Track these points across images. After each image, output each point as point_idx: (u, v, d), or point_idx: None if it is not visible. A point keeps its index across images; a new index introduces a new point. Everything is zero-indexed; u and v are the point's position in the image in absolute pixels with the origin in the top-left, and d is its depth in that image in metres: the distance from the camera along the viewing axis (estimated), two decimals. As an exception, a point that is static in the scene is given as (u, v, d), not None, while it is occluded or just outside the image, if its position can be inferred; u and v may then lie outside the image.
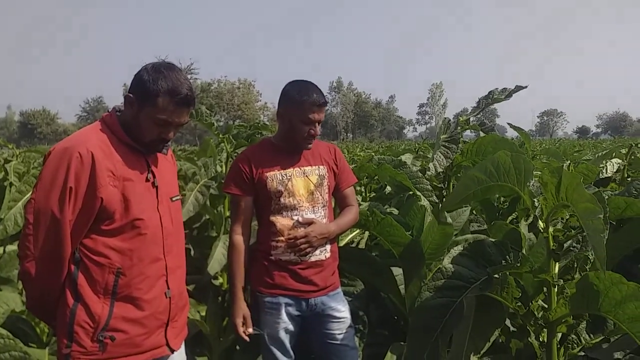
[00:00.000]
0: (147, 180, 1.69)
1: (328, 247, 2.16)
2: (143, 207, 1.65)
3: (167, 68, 1.65)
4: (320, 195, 2.15)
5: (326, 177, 2.18)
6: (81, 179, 1.52)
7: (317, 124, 2.10)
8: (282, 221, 2.08)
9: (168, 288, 1.72)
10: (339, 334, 2.14)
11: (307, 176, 2.13)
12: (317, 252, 2.11)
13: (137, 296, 1.63)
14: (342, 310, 2.17)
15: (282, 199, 2.08)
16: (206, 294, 2.85)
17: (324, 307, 2.12)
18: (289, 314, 2.08)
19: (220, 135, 2.93)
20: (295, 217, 2.08)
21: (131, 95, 1.64)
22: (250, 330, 2.05)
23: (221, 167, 3.08)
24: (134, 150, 1.68)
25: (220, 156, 3.22)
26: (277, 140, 2.21)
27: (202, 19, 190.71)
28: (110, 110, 1.75)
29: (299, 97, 2.07)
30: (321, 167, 2.18)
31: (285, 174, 2.11)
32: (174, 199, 1.82)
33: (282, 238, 2.07)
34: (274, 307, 2.07)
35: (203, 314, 2.73)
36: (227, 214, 3.05)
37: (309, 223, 2.08)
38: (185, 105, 1.66)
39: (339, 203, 2.32)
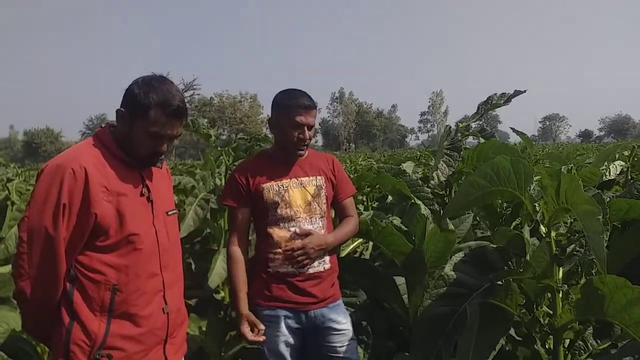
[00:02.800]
0: (142, 194, 1.67)
1: (327, 258, 2.13)
2: (138, 222, 1.63)
3: (158, 80, 1.64)
4: (318, 206, 2.12)
5: (324, 187, 2.16)
6: (74, 195, 1.50)
7: (305, 128, 2.08)
8: (279, 233, 2.06)
9: (165, 304, 1.70)
10: (340, 347, 2.10)
11: (304, 187, 2.11)
12: (316, 263, 2.08)
13: (134, 313, 1.61)
14: (342, 322, 2.13)
15: (278, 210, 2.06)
16: (207, 308, 2.82)
17: (324, 319, 2.09)
18: (288, 327, 2.05)
19: (219, 148, 2.93)
20: (293, 229, 2.06)
21: (123, 109, 1.62)
22: (262, 326, 2.01)
23: (220, 180, 3.07)
24: (128, 165, 1.66)
25: (220, 169, 3.22)
26: (273, 151, 2.20)
27: (203, 34, 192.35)
28: (103, 126, 1.73)
29: (286, 101, 2.09)
30: (318, 177, 2.16)
31: (282, 185, 2.09)
32: (169, 213, 1.79)
33: (279, 250, 2.05)
34: (273, 320, 2.04)
35: (204, 329, 2.70)
36: (227, 227, 3.03)
37: (307, 234, 2.06)
38: (177, 117, 1.65)
39: (338, 214, 2.30)
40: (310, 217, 2.10)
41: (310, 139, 2.12)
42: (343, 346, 2.10)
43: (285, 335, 2.04)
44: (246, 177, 2.10)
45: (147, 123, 1.60)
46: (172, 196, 1.90)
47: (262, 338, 1.99)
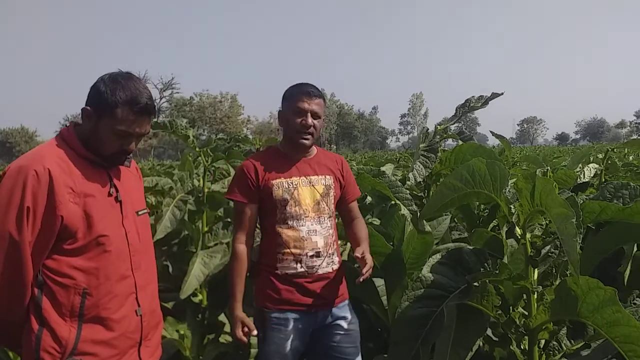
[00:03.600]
0: (110, 194, 1.63)
1: (336, 258, 2.11)
2: (107, 223, 1.58)
3: (125, 77, 1.59)
4: (326, 205, 2.09)
5: (332, 187, 2.13)
6: (38, 198, 1.45)
7: (309, 114, 2.04)
8: (287, 232, 2.02)
9: (138, 306, 1.66)
10: (345, 347, 2.09)
11: (313, 185, 2.08)
12: (325, 264, 2.05)
13: (105, 316, 1.57)
14: (351, 322, 2.12)
15: (287, 208, 2.02)
16: (185, 312, 2.79)
17: (332, 319, 2.07)
18: (296, 330, 2.02)
19: (197, 149, 2.89)
20: (302, 228, 2.02)
21: (88, 107, 1.57)
22: (254, 333, 1.99)
23: (198, 181, 3.03)
24: (95, 164, 1.62)
25: (198, 170, 3.18)
26: (281, 147, 2.17)
27: (181, 34, 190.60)
28: (68, 124, 1.67)
29: (291, 91, 2.09)
30: (327, 176, 2.13)
31: (292, 183, 2.05)
32: (140, 213, 1.75)
33: (287, 250, 2.01)
34: (281, 323, 2.01)
35: (182, 332, 2.67)
36: (205, 229, 3.00)
37: (362, 256, 2.00)
38: (145, 115, 1.60)
39: (343, 215, 2.26)
40: (319, 217, 2.06)
41: (314, 128, 2.08)
42: (348, 347, 2.09)
43: (293, 338, 2.01)
44: (255, 172, 2.05)
45: (114, 121, 1.55)
46: (142, 196, 1.85)
47: (245, 339, 1.98)
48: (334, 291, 2.09)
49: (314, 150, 2.18)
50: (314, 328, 2.07)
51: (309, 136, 2.07)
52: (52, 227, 1.48)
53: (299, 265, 2.01)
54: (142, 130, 1.63)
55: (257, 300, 2.06)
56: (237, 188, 2.07)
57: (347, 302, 2.16)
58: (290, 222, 2.02)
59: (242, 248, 2.05)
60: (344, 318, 2.10)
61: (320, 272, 2.04)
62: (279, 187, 2.03)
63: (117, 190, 1.65)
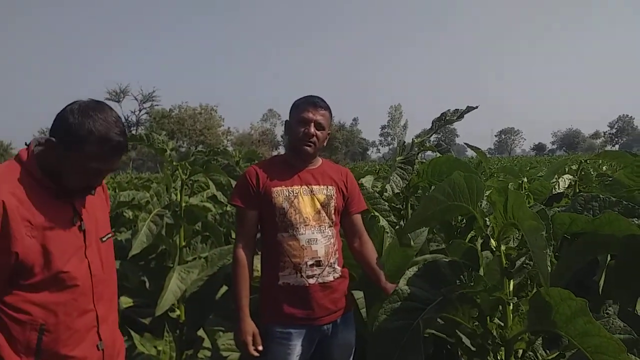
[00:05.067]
0: (73, 224, 1.53)
1: (338, 268, 2.11)
2: (68, 257, 1.49)
3: (96, 109, 1.47)
4: (327, 215, 2.10)
5: (334, 197, 2.14)
6: None
7: (312, 124, 2.07)
8: (288, 240, 2.03)
9: (100, 339, 1.59)
10: (340, 358, 2.13)
11: (314, 194, 2.09)
12: (325, 272, 2.06)
13: (64, 354, 1.48)
14: (350, 336, 2.15)
15: (288, 216, 2.03)
16: (162, 327, 2.75)
17: (334, 331, 2.09)
18: (301, 345, 2.02)
19: (175, 162, 2.88)
20: (302, 237, 2.02)
21: (54, 140, 1.45)
22: (260, 347, 1.98)
23: (176, 195, 3.01)
24: (57, 194, 1.51)
25: (176, 184, 3.16)
26: (286, 156, 2.19)
27: (160, 46, 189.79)
28: (28, 145, 1.53)
29: (299, 101, 2.13)
30: (330, 187, 2.14)
31: (292, 191, 2.07)
32: (104, 239, 1.66)
33: (287, 259, 2.02)
34: (285, 337, 2.01)
35: (160, 348, 2.63)
36: (183, 243, 2.98)
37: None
38: (117, 153, 1.51)
39: (347, 228, 2.26)
40: (320, 226, 2.07)
41: (318, 139, 2.10)
42: (343, 358, 2.13)
43: (297, 353, 2.01)
44: (257, 179, 2.07)
45: (84, 157, 1.45)
46: (107, 218, 1.75)
47: (256, 354, 1.97)
48: (337, 301, 2.10)
49: (319, 160, 2.20)
50: (317, 341, 2.07)
51: (312, 144, 2.10)
52: (6, 264, 1.39)
53: (298, 274, 2.02)
54: (114, 167, 1.55)
55: (261, 316, 2.06)
56: (238, 194, 2.10)
57: (350, 314, 2.18)
58: (290, 231, 2.03)
59: (243, 253, 2.05)
60: (344, 332, 2.12)
61: (320, 281, 2.04)
62: (279, 195, 2.04)
63: (81, 220, 1.55)
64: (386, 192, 2.82)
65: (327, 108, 2.14)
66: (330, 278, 2.07)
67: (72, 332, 1.49)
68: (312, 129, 2.07)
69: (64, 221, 1.51)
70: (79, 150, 1.44)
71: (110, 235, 1.72)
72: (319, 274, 2.04)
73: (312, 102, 2.10)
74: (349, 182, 2.23)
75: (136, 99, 68.43)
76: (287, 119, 2.18)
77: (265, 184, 2.06)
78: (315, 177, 2.14)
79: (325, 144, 2.17)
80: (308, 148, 2.09)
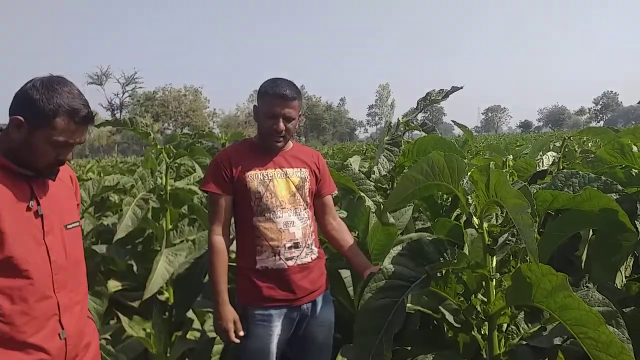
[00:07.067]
0: (30, 208, 1.48)
1: (315, 249, 2.13)
2: (22, 241, 1.44)
3: (60, 83, 1.47)
4: (302, 197, 2.10)
5: (308, 179, 2.13)
6: None
7: (281, 119, 2.01)
8: (265, 224, 2.02)
9: (62, 328, 1.53)
10: (321, 337, 2.15)
11: (288, 177, 2.08)
12: (303, 254, 2.06)
13: (21, 340, 1.43)
14: (329, 314, 2.18)
15: (264, 200, 2.01)
16: (151, 310, 2.75)
17: (313, 310, 2.12)
18: (281, 324, 2.04)
19: (158, 146, 2.85)
20: (278, 219, 2.02)
21: (20, 118, 1.43)
22: (241, 333, 1.98)
23: (161, 178, 2.99)
24: (15, 175, 1.48)
25: (160, 167, 3.14)
26: (257, 139, 2.15)
27: (141, 27, 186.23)
28: None
29: (266, 89, 2.04)
30: (303, 169, 2.13)
31: (267, 174, 2.05)
32: (69, 226, 1.61)
33: (265, 242, 2.01)
34: (265, 319, 2.01)
35: (149, 331, 2.64)
36: (170, 227, 2.97)
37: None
38: (86, 124, 1.51)
39: (318, 210, 2.26)
40: (295, 208, 2.06)
41: (286, 131, 2.05)
42: (323, 336, 2.16)
43: (277, 333, 2.03)
44: (229, 164, 2.03)
45: (52, 132, 1.44)
46: (74, 206, 1.71)
47: (237, 341, 1.98)
48: (315, 281, 2.11)
49: (290, 144, 2.18)
50: (296, 320, 2.09)
51: (281, 139, 2.07)
52: None
53: (277, 257, 2.02)
54: (82, 139, 1.53)
55: (239, 299, 2.06)
56: (211, 179, 2.05)
57: (327, 292, 2.20)
58: (267, 214, 2.02)
59: (219, 239, 2.03)
60: (324, 310, 2.14)
61: (299, 262, 2.05)
62: (253, 179, 2.02)
63: (38, 204, 1.51)
64: (374, 174, 2.83)
65: (296, 96, 2.04)
66: (308, 259, 2.08)
67: (29, 318, 1.45)
68: (281, 125, 2.02)
69: (19, 205, 1.47)
70: (47, 125, 1.44)
71: (76, 224, 1.67)
72: (297, 256, 2.05)
73: (279, 95, 2.00)
74: (320, 165, 2.23)
75: (119, 82, 67.51)
76: (257, 102, 2.11)
77: (239, 169, 2.03)
78: (288, 160, 2.12)
79: (297, 127, 2.14)
80: (278, 143, 2.08)
